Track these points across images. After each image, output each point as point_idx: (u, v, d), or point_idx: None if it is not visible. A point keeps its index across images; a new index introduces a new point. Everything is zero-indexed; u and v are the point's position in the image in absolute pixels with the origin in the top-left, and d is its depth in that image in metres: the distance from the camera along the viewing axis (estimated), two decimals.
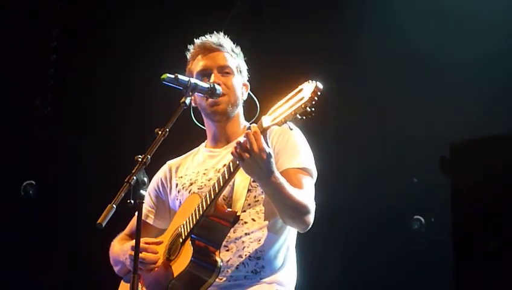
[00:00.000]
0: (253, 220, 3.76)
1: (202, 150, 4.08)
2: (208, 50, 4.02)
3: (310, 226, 3.70)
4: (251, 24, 6.81)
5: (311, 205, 3.69)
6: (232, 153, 3.49)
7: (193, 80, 3.76)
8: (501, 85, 6.29)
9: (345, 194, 6.38)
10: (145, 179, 3.37)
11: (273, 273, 3.75)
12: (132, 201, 3.31)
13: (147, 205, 4.16)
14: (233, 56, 4.03)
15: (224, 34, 4.10)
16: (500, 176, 6.22)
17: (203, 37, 4.07)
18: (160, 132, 3.53)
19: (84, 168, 7.15)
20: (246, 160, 3.43)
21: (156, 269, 3.83)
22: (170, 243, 3.83)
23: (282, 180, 3.55)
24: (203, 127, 4.09)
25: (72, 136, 7.20)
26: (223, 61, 3.99)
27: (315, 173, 3.83)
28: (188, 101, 3.68)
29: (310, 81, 3.32)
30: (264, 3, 7.13)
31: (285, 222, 3.72)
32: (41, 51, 7.33)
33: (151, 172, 4.13)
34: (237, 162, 3.50)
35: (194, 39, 4.10)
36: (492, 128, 6.36)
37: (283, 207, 3.64)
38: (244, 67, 4.09)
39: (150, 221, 4.15)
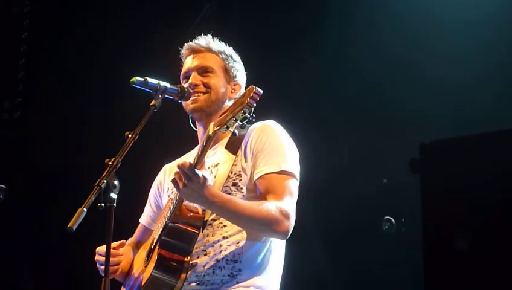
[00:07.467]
0: None
1: (194, 153, 3.92)
2: (193, 52, 4.02)
3: (288, 233, 3.59)
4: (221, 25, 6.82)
5: (285, 212, 3.57)
6: (171, 181, 3.44)
7: (163, 83, 3.76)
8: (473, 85, 6.31)
9: (315, 195, 6.38)
10: (116, 183, 3.34)
11: (251, 276, 3.66)
12: (103, 204, 3.29)
13: (148, 212, 4.15)
14: (220, 56, 4.00)
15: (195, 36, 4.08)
16: (470, 176, 6.23)
17: (194, 40, 4.05)
18: (130, 135, 3.52)
19: (54, 172, 7.11)
20: (183, 189, 3.39)
21: (136, 274, 3.81)
22: (148, 248, 3.81)
23: (228, 199, 3.50)
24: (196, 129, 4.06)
25: (41, 140, 7.16)
26: (203, 61, 3.97)
27: (297, 173, 3.73)
28: (158, 104, 3.69)
29: (252, 86, 3.30)
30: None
31: (259, 234, 3.67)
32: (11, 54, 7.29)
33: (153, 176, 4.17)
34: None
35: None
36: (463, 128, 6.39)
37: (243, 224, 3.60)
38: (236, 67, 4.03)
39: (152, 227, 4.07)
